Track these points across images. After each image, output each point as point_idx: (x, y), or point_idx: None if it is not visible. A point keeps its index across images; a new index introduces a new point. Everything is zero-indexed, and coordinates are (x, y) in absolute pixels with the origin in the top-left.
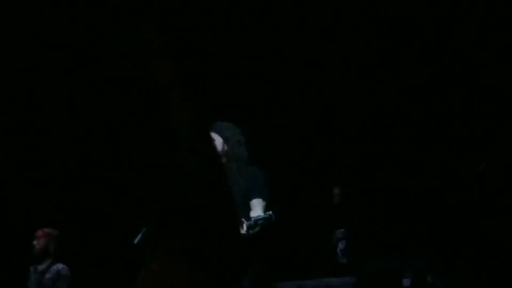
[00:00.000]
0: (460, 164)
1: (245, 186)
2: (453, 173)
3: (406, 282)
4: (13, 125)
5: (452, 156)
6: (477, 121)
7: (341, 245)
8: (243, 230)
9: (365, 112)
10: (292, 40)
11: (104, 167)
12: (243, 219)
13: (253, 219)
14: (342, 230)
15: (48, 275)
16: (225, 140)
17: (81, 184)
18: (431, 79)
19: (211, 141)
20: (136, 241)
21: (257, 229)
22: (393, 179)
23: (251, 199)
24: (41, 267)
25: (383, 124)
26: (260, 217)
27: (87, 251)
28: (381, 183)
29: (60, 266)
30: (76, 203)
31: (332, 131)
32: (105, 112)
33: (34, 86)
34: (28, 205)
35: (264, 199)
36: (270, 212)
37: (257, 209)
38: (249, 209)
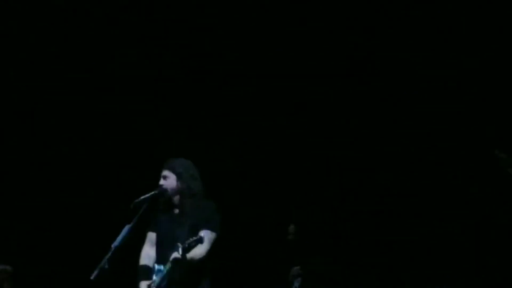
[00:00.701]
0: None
1: (196, 220)
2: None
3: None
4: None
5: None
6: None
7: (296, 283)
8: (179, 254)
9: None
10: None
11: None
12: (178, 244)
13: (186, 242)
14: (297, 267)
15: None
16: (178, 176)
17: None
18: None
19: None
20: (92, 277)
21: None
22: (347, 218)
23: (200, 230)
24: None
25: (333, 167)
26: (192, 239)
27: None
28: (335, 222)
29: None
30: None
31: (290, 170)
32: None
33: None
34: None
35: (212, 231)
36: (202, 234)
37: (205, 240)
38: None
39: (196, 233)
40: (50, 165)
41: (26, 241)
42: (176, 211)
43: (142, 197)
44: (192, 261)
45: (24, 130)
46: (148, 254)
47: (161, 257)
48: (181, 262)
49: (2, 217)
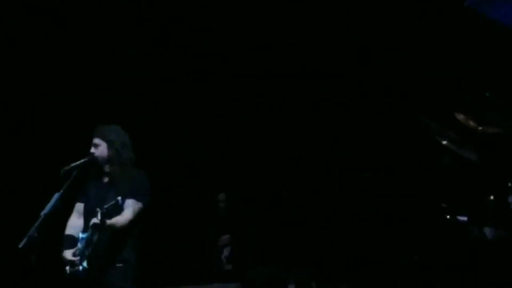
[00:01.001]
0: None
1: (124, 189)
2: (338, 179)
3: None
4: None
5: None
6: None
7: (225, 252)
8: (98, 219)
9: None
10: None
11: None
12: (97, 209)
13: (104, 207)
14: (226, 236)
15: None
16: (109, 144)
17: None
18: None
19: None
20: (21, 245)
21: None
22: (279, 186)
23: (126, 199)
24: None
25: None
26: (110, 204)
27: None
28: (267, 190)
29: None
30: None
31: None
32: None
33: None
34: None
35: (138, 200)
36: (119, 198)
37: (128, 208)
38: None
39: (124, 201)
40: None
41: None
42: (106, 179)
43: (72, 165)
44: (114, 227)
45: None
46: (74, 224)
47: (86, 225)
48: (101, 227)
49: None
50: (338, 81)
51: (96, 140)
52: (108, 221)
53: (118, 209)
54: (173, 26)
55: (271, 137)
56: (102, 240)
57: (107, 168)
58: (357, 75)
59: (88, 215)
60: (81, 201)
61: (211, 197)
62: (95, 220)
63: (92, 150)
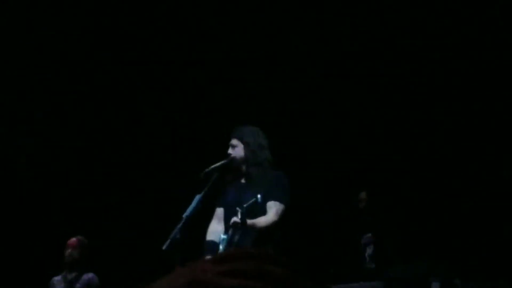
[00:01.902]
0: (485, 168)
1: (264, 190)
2: (478, 177)
3: (435, 286)
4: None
5: (476, 159)
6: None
7: (368, 250)
8: (238, 218)
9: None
10: None
11: (129, 172)
12: (237, 208)
13: (244, 206)
14: (369, 235)
15: (78, 285)
16: (246, 145)
17: (105, 189)
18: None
19: None
20: (164, 247)
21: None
22: (421, 182)
23: (268, 201)
24: (70, 276)
25: (408, 130)
26: (250, 202)
27: (113, 258)
28: (408, 187)
29: (90, 275)
30: (101, 209)
31: (357, 137)
32: None
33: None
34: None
35: (280, 202)
36: (258, 196)
37: (271, 210)
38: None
39: (264, 202)
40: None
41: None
42: (243, 180)
43: (212, 167)
44: (254, 227)
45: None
46: (214, 230)
47: (227, 229)
48: (241, 226)
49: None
50: None
51: (234, 141)
52: (249, 221)
53: (257, 208)
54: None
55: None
56: (243, 242)
57: (244, 169)
58: None
59: (227, 218)
60: (220, 206)
61: (353, 196)
62: (235, 219)
63: (230, 151)
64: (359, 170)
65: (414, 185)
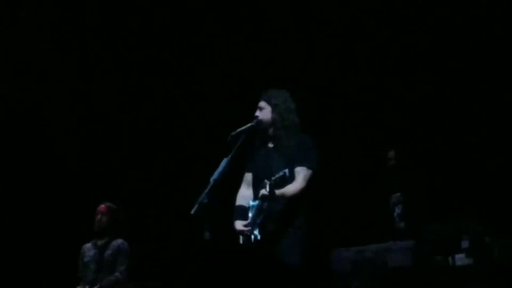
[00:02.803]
0: None
1: (291, 154)
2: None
3: (464, 244)
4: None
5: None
6: None
7: (398, 210)
8: (266, 190)
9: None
10: None
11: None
12: (265, 180)
13: (272, 178)
14: (398, 194)
15: (108, 251)
16: (273, 108)
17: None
18: None
19: None
20: (192, 212)
21: (282, 189)
22: (449, 141)
23: (295, 166)
24: (100, 243)
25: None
26: (278, 175)
27: (143, 224)
28: (436, 146)
29: (120, 241)
30: (130, 176)
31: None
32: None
33: None
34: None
35: (308, 167)
36: (286, 170)
37: (299, 175)
38: (293, 176)
39: (292, 167)
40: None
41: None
42: (271, 145)
43: (238, 130)
44: (284, 197)
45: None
46: (243, 195)
47: (256, 194)
48: (269, 198)
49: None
50: None
51: (262, 104)
52: (278, 191)
53: (286, 181)
54: None
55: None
56: (273, 208)
57: (271, 132)
58: None
59: (256, 183)
60: (249, 171)
61: (382, 154)
62: (263, 192)
63: (257, 113)
64: (388, 128)
65: (443, 143)
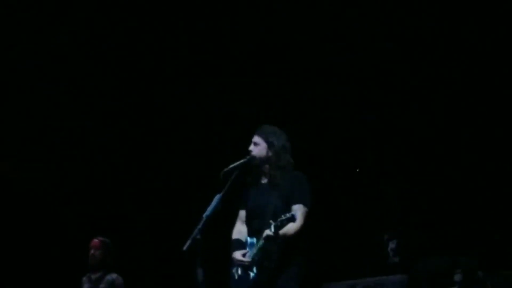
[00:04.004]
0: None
1: (287, 192)
2: (500, 173)
3: (457, 277)
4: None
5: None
6: None
7: (391, 245)
8: (271, 231)
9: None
10: None
11: (148, 173)
12: (271, 221)
13: (279, 220)
14: (392, 229)
15: (102, 285)
16: (269, 146)
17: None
18: None
19: None
20: (185, 247)
21: (283, 229)
22: (442, 179)
23: (292, 204)
24: (94, 276)
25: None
26: (284, 217)
27: (135, 260)
28: (430, 184)
29: (114, 275)
30: (123, 212)
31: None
32: None
33: None
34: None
35: (305, 205)
36: (293, 213)
37: (297, 213)
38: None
39: (287, 205)
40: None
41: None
42: (265, 180)
43: (231, 166)
44: (285, 237)
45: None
46: (239, 230)
47: (251, 229)
48: (274, 239)
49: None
50: None
51: (256, 139)
52: (281, 231)
53: (291, 222)
54: None
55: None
56: (272, 248)
57: (265, 169)
58: None
59: (250, 217)
60: (242, 208)
61: (375, 191)
62: (268, 232)
63: (251, 148)
64: (380, 162)
65: (436, 180)
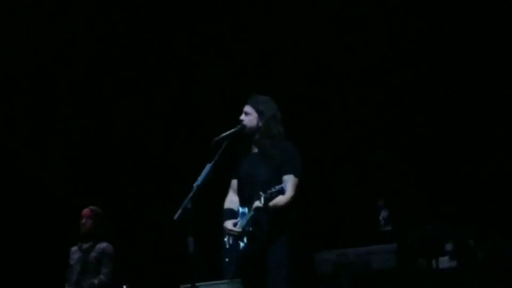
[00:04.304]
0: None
1: (277, 162)
2: (492, 143)
3: (448, 246)
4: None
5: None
6: None
7: (383, 213)
8: (261, 203)
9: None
10: None
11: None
12: (260, 193)
13: (268, 192)
14: (384, 198)
15: (93, 254)
16: (260, 115)
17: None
18: None
19: None
20: (176, 217)
21: (274, 200)
22: (434, 149)
23: (282, 174)
24: (85, 246)
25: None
26: (274, 189)
27: (128, 230)
28: (422, 150)
29: (104, 244)
30: (114, 182)
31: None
32: None
33: None
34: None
35: (295, 175)
36: (283, 185)
37: (287, 184)
38: (280, 183)
39: (278, 175)
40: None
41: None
42: (255, 150)
43: (222, 135)
44: (276, 208)
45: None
46: (231, 200)
47: (242, 199)
48: (263, 210)
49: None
50: None
51: (247, 108)
52: (271, 203)
53: (281, 194)
54: None
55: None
56: (263, 218)
57: (256, 139)
58: None
59: (242, 187)
60: (234, 178)
61: (368, 158)
62: (258, 204)
63: (242, 117)
64: (374, 130)
65: (429, 147)
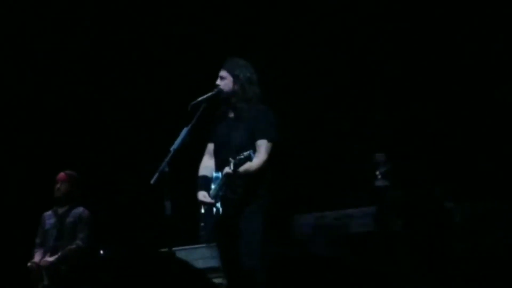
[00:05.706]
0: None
1: (251, 125)
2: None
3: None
4: None
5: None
6: None
7: (381, 168)
8: (230, 169)
9: None
10: None
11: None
12: (230, 158)
13: (237, 158)
14: (382, 154)
15: (69, 219)
16: (235, 79)
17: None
18: None
19: None
20: (152, 181)
21: (245, 165)
22: (414, 110)
23: (256, 139)
24: (61, 211)
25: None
26: (243, 155)
27: (104, 194)
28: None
29: (81, 209)
30: (90, 145)
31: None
32: None
33: None
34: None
35: (269, 140)
36: (251, 151)
37: (260, 148)
38: (254, 148)
39: (252, 138)
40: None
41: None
42: (232, 114)
43: (199, 99)
44: (247, 173)
45: None
46: (206, 165)
47: (218, 164)
48: (233, 177)
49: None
50: None
51: (223, 73)
52: (242, 168)
53: (250, 161)
54: None
55: None
56: (236, 182)
57: (232, 102)
58: None
59: (217, 152)
60: (210, 141)
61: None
62: (227, 170)
63: (218, 82)
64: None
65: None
